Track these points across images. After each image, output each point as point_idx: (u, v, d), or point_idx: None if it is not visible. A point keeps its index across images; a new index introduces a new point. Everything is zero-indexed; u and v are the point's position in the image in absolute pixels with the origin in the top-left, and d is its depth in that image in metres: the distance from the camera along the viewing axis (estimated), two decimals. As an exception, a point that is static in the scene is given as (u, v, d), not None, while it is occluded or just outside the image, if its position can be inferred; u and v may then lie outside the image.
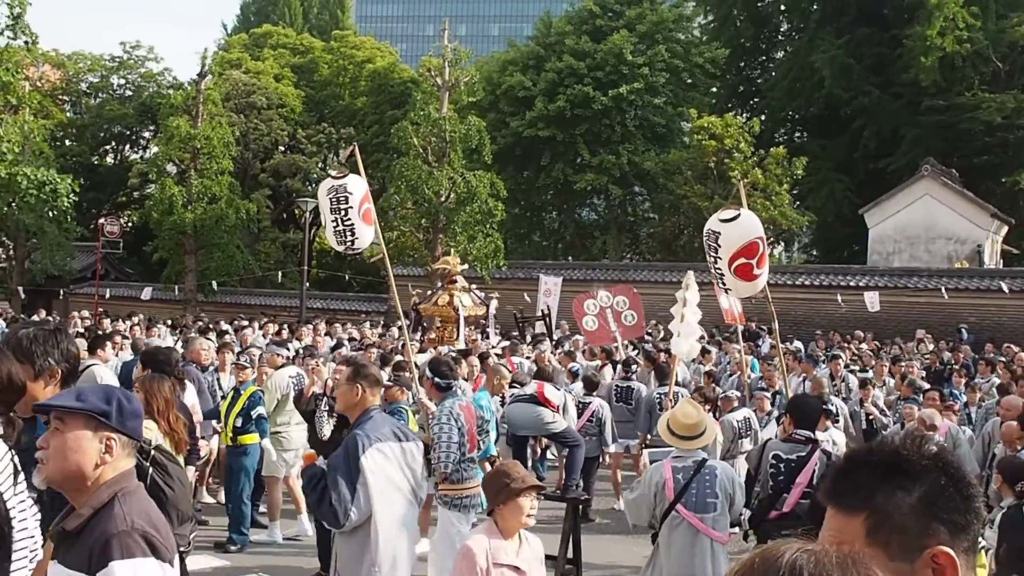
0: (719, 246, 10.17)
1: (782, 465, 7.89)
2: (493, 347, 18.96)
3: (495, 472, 5.50)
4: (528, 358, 17.82)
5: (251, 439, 11.69)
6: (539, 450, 15.52)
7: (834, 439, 10.04)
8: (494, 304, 23.32)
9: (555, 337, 24.47)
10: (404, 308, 36.50)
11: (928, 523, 1.91)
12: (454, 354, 15.16)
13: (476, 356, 15.84)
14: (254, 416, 11.66)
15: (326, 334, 24.04)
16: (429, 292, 23.88)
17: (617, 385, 15.66)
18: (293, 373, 12.60)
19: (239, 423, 11.62)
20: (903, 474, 1.96)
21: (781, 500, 7.81)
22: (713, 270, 10.50)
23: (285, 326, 25.48)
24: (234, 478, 11.64)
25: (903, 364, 18.11)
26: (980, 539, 5.96)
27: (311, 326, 25.42)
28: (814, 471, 7.79)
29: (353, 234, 11.83)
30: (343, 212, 11.69)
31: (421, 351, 18.74)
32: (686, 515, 7.16)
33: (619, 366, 16.48)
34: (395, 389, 10.90)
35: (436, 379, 9.24)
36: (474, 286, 24.08)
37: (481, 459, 10.23)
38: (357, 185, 11.93)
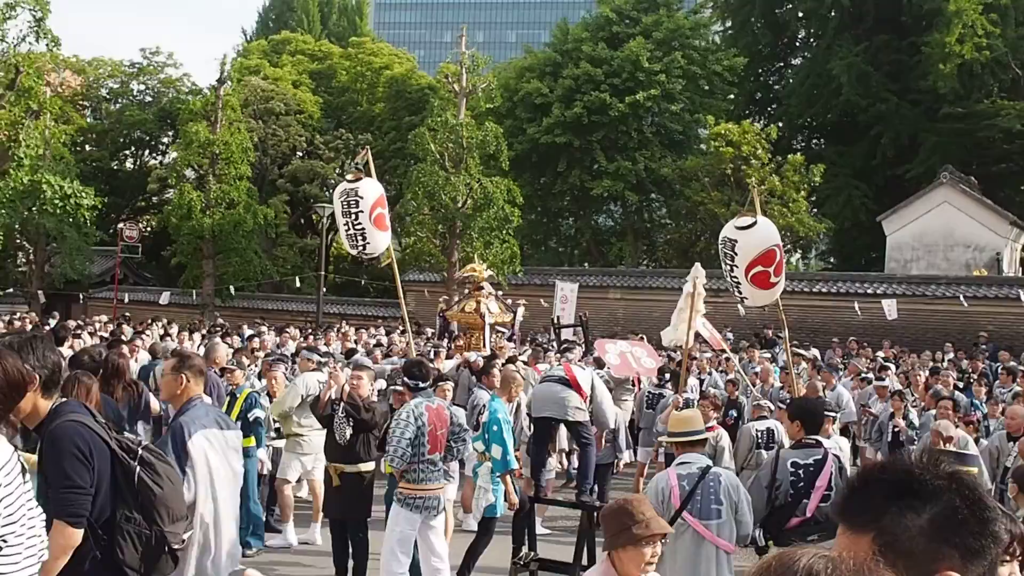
0: (736, 254, 10.12)
1: (801, 471, 7.85)
2: (519, 354, 18.93)
3: (618, 509, 4.99)
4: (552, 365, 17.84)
5: (249, 442, 11.71)
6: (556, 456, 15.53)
7: (840, 445, 10.02)
8: (521, 311, 23.30)
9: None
10: (416, 314, 36.58)
11: (939, 547, 1.85)
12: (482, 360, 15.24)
13: (502, 361, 15.77)
14: (251, 419, 11.68)
15: (355, 340, 24.19)
16: (456, 299, 23.90)
17: (649, 392, 15.60)
18: (324, 378, 12.60)
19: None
20: (914, 494, 1.90)
21: (802, 507, 7.79)
22: (729, 278, 10.44)
23: (312, 331, 25.66)
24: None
25: (940, 375, 18.01)
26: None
27: (342, 331, 25.60)
28: (831, 474, 7.82)
29: (364, 238, 11.81)
30: (354, 216, 11.69)
31: (448, 358, 18.79)
32: (692, 522, 7.11)
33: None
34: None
35: (406, 379, 9.39)
36: (500, 292, 24.13)
37: (501, 473, 10.27)
38: (370, 189, 11.92)
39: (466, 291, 23.41)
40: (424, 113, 39.79)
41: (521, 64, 47.71)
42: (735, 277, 10.26)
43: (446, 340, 24.02)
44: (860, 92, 42.26)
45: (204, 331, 26.50)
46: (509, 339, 23.13)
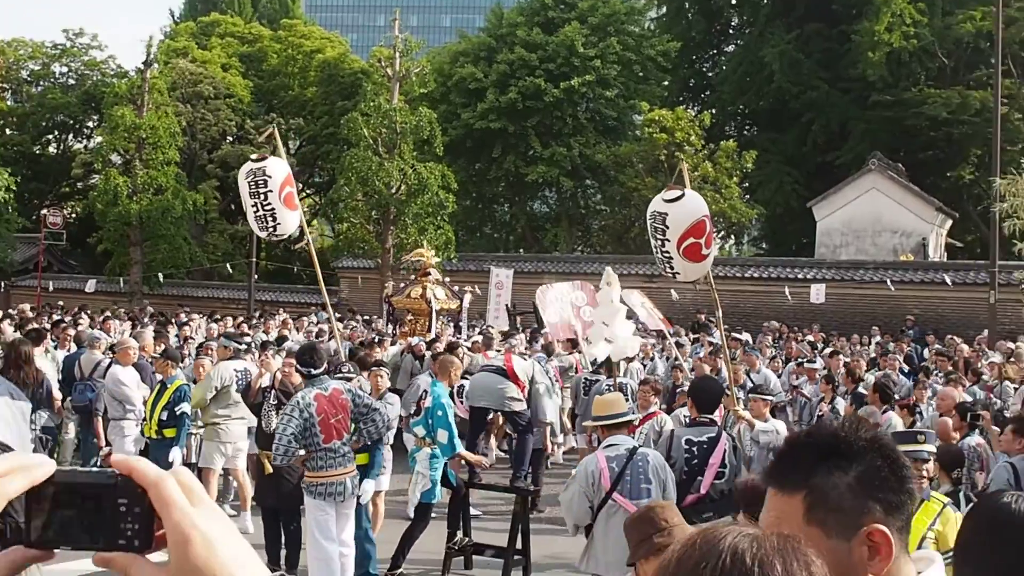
0: (667, 227, 9.93)
1: (695, 448, 8.08)
2: (464, 341, 18.86)
3: (640, 517, 4.85)
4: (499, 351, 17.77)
5: (170, 433, 11.59)
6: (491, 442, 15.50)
7: (777, 428, 10.11)
8: (468, 298, 23.16)
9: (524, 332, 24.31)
10: (350, 300, 36.38)
11: (864, 502, 1.97)
12: (462, 352, 15.12)
13: (443, 348, 15.65)
14: (177, 412, 11.55)
15: (296, 327, 23.98)
16: (402, 284, 23.69)
17: (585, 379, 15.54)
18: (240, 367, 12.44)
19: (164, 416, 11.52)
20: (840, 455, 2.01)
21: (696, 484, 7.97)
22: (660, 255, 10.20)
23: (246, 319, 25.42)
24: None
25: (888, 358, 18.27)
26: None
27: (282, 320, 25.39)
28: (724, 451, 8.05)
29: (275, 219, 11.54)
30: (263, 196, 11.40)
31: (392, 344, 18.71)
32: (623, 502, 7.12)
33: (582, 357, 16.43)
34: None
35: (298, 367, 9.38)
36: (447, 279, 24.00)
37: (449, 458, 10.24)
38: (277, 168, 11.63)
39: (412, 277, 23.31)
40: (357, 98, 39.45)
41: (455, 49, 47.51)
42: (667, 252, 10.03)
43: (391, 326, 23.93)
44: (791, 79, 42.69)
45: (146, 319, 26.13)
46: (456, 325, 23.08)
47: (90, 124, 50.82)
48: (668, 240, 9.95)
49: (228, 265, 40.01)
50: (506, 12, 47.41)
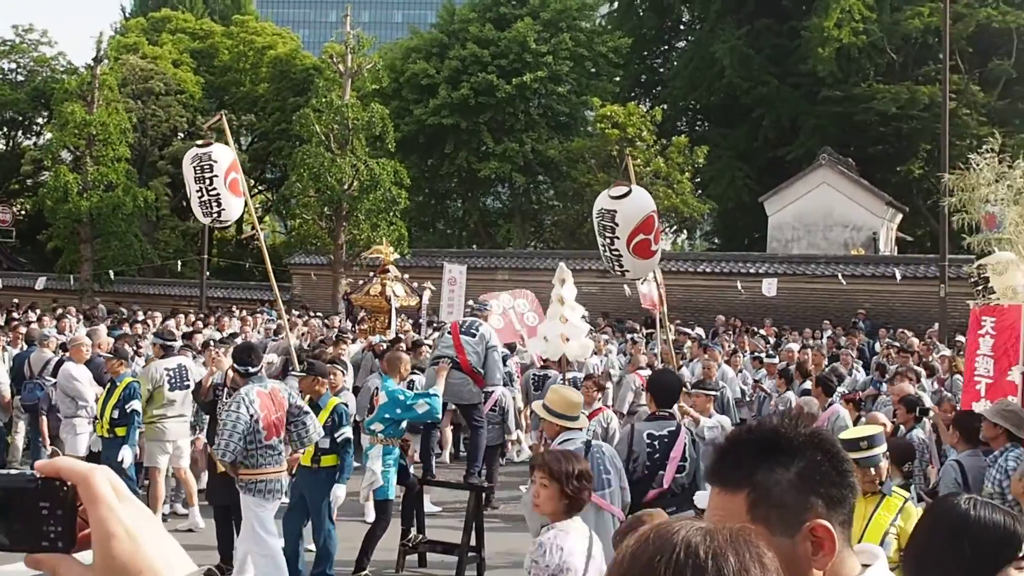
0: (617, 224, 9.83)
1: (656, 443, 8.07)
2: (425, 339, 18.76)
3: (632, 525, 4.72)
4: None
5: (121, 431, 11.49)
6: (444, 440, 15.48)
7: (722, 424, 10.15)
8: (427, 294, 23.04)
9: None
10: (303, 296, 36.18)
11: (806, 497, 1.98)
12: (403, 346, 15.02)
13: (406, 346, 15.54)
14: (128, 410, 11.45)
15: (252, 325, 23.76)
16: (361, 282, 23.53)
17: (534, 374, 15.50)
18: (172, 365, 12.33)
19: (115, 415, 11.42)
20: (781, 451, 2.02)
21: (658, 478, 7.98)
22: (609, 253, 10.07)
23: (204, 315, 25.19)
24: (117, 470, 11.36)
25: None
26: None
27: (240, 317, 25.19)
28: (685, 445, 8.08)
29: (219, 204, 11.44)
30: (208, 182, 11.31)
31: (352, 342, 18.60)
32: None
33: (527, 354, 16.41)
34: (310, 380, 10.56)
35: (236, 365, 9.36)
36: (407, 275, 23.87)
37: (389, 436, 10.20)
38: (223, 154, 11.54)
39: (371, 274, 23.17)
40: (309, 94, 39.19)
41: (407, 45, 47.37)
42: (616, 250, 9.92)
43: (350, 324, 23.81)
44: (742, 75, 42.92)
45: (104, 317, 25.84)
46: (415, 322, 22.94)
47: (40, 121, 50.17)
48: (618, 238, 9.86)
49: (179, 262, 39.67)
50: (458, 8, 47.36)
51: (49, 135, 42.45)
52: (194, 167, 11.39)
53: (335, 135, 33.48)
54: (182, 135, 47.05)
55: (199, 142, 12.06)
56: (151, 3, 59.39)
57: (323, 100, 33.64)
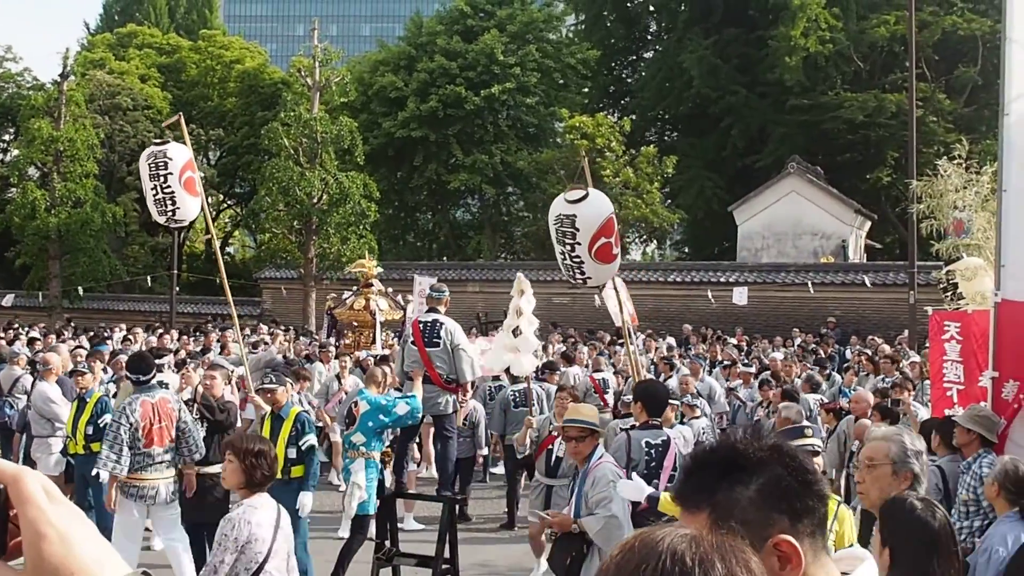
0: (577, 229, 9.51)
1: (653, 451, 8.09)
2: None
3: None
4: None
5: (97, 447, 11.35)
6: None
7: (684, 435, 10.09)
8: (411, 308, 22.94)
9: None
10: (273, 311, 35.93)
11: (768, 514, 1.96)
12: (373, 359, 15.03)
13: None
14: (101, 425, 11.34)
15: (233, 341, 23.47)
16: (345, 296, 23.41)
17: (490, 386, 15.50)
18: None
19: (90, 431, 11.29)
20: (741, 468, 2.01)
21: (653, 486, 7.91)
22: (569, 260, 9.68)
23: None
24: (93, 486, 11.17)
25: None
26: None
27: (222, 332, 24.97)
28: (676, 454, 8.10)
29: (174, 203, 11.35)
30: (162, 179, 11.23)
31: (336, 356, 18.51)
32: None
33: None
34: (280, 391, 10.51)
35: (127, 373, 9.86)
36: (391, 289, 23.77)
37: (371, 448, 10.16)
38: (179, 152, 11.46)
39: (354, 288, 23.06)
40: (277, 108, 39.12)
41: (375, 58, 47.38)
42: (577, 257, 9.57)
43: (333, 338, 23.70)
44: (710, 85, 43.12)
45: (68, 334, 25.58)
46: (399, 336, 22.74)
47: (6, 137, 49.82)
48: (579, 243, 9.55)
49: (149, 278, 39.44)
50: (425, 21, 47.42)
51: (16, 152, 42.19)
52: (149, 165, 11.31)
53: (304, 149, 33.43)
54: (150, 150, 46.76)
55: (156, 140, 12.00)
56: (117, 18, 59.20)
57: (291, 114, 33.61)
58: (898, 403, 11.51)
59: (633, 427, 8.50)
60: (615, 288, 11.77)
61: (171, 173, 11.21)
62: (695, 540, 1.48)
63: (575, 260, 9.60)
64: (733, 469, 2.01)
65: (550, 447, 10.35)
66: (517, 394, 13.83)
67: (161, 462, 9.50)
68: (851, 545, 5.92)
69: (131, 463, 9.40)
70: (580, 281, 10.08)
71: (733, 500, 1.97)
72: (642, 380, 11.47)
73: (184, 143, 11.93)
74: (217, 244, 12.50)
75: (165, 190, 11.29)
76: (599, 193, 9.95)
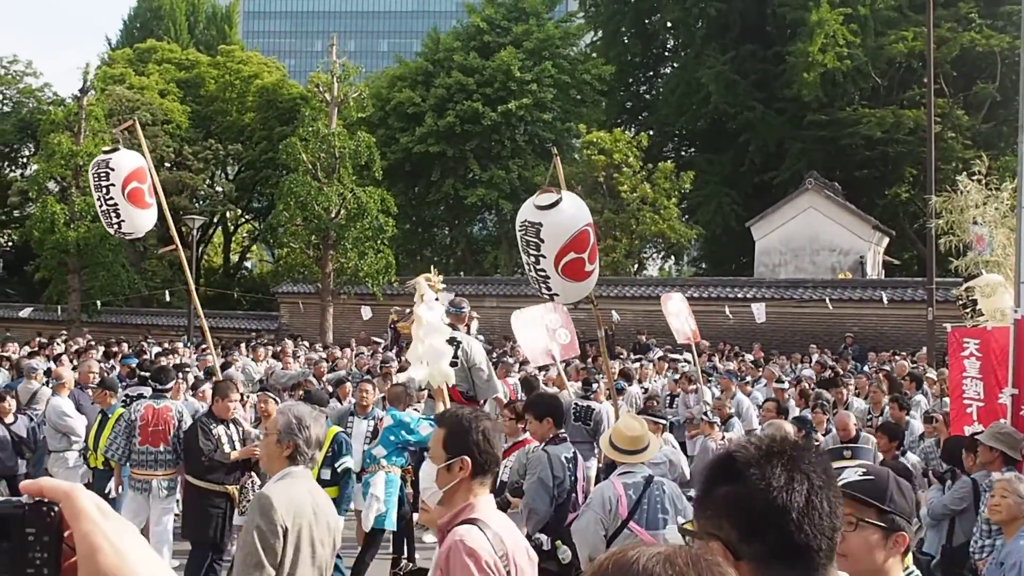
0: (542, 240, 8.32)
1: (570, 465, 8.05)
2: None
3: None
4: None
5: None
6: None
7: (670, 458, 9.95)
8: (475, 325, 22.71)
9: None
10: (290, 326, 35.94)
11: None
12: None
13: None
14: None
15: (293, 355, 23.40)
16: (408, 310, 23.27)
17: (576, 404, 14.90)
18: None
19: None
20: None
21: (573, 501, 7.92)
22: (534, 272, 8.58)
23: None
24: (111, 501, 11.25)
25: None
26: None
27: (280, 347, 24.92)
28: (582, 466, 8.22)
29: (118, 215, 11.06)
30: (105, 191, 10.92)
31: (401, 369, 18.35)
32: (639, 532, 6.82)
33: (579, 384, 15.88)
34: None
35: (150, 381, 11.01)
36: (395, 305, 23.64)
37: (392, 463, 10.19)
38: (125, 161, 11.02)
39: (412, 305, 22.84)
40: (295, 123, 39.24)
41: (393, 73, 47.48)
42: (542, 270, 8.43)
43: (395, 351, 23.70)
44: (728, 101, 43.10)
45: (102, 349, 25.55)
46: None
47: (26, 152, 50.13)
48: (544, 256, 8.38)
49: (167, 292, 39.57)
50: (442, 37, 47.50)
51: (35, 166, 42.39)
52: (94, 174, 11.07)
53: (322, 164, 33.52)
54: (169, 165, 47.00)
55: (106, 148, 11.83)
56: (137, 34, 59.54)
57: (309, 129, 33.71)
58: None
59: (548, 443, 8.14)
60: (593, 303, 11.07)
61: (113, 184, 10.88)
62: (669, 558, 1.46)
63: (540, 273, 8.50)
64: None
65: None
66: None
67: (157, 461, 10.15)
68: None
69: (132, 458, 10.29)
70: (548, 296, 9.08)
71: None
72: (538, 393, 10.89)
73: (141, 150, 11.66)
74: (182, 254, 12.33)
75: (108, 202, 10.99)
76: (575, 200, 8.71)
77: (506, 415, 9.58)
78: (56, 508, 1.21)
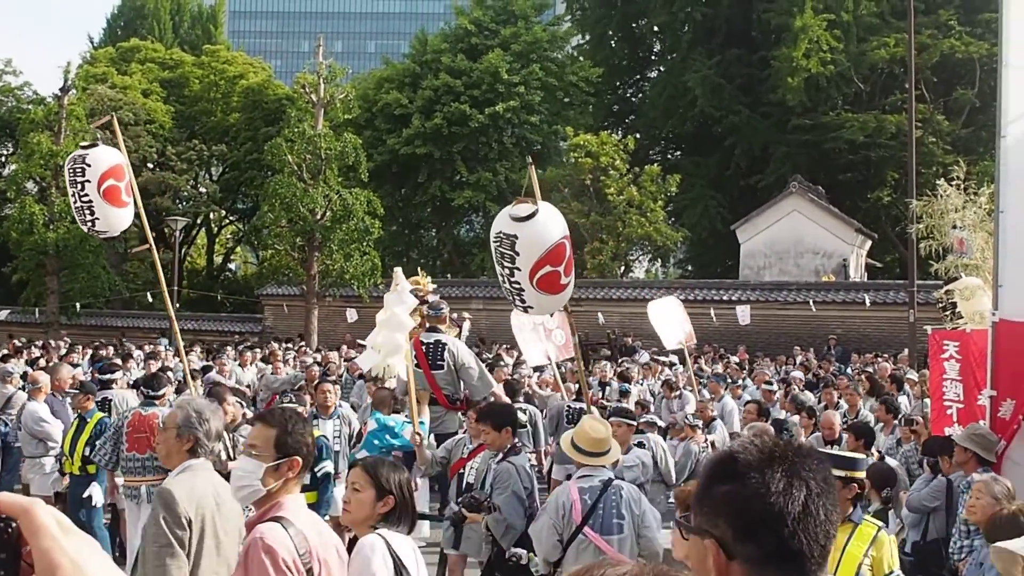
0: (517, 253, 8.05)
1: (532, 473, 8.47)
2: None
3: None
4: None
5: (92, 469, 11.29)
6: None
7: (643, 460, 9.88)
8: (467, 325, 22.64)
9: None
10: (275, 328, 35.90)
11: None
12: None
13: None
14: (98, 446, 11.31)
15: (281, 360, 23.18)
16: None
17: (569, 406, 14.69)
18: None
19: (87, 452, 11.18)
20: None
21: (533, 508, 8.02)
22: (508, 284, 8.30)
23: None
24: (87, 507, 11.14)
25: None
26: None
27: (268, 350, 24.73)
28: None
29: (92, 213, 10.83)
30: (80, 187, 10.64)
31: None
32: (593, 538, 6.68)
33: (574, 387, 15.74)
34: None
35: (142, 388, 10.66)
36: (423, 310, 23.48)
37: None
38: (102, 158, 10.72)
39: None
40: (281, 124, 39.12)
41: (380, 75, 47.43)
42: (516, 283, 8.18)
43: None
44: (714, 104, 43.23)
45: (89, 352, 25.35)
46: None
47: (4, 152, 49.72)
48: (518, 269, 8.08)
49: (149, 294, 39.34)
50: (430, 39, 47.47)
51: (14, 166, 42.13)
52: (69, 169, 10.86)
53: (307, 165, 33.47)
54: (151, 165, 46.81)
55: (83, 143, 11.63)
56: (120, 33, 59.24)
57: (295, 130, 33.63)
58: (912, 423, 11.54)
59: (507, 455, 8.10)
60: (567, 312, 10.66)
61: (88, 181, 10.61)
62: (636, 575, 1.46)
63: (514, 286, 8.22)
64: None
65: (461, 471, 8.74)
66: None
67: (143, 467, 9.97)
68: (890, 571, 5.91)
69: (121, 465, 10.12)
70: (522, 308, 8.74)
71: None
72: (492, 403, 10.15)
73: (118, 147, 11.48)
74: (155, 254, 12.19)
75: (83, 198, 10.73)
76: (552, 211, 8.37)
77: (472, 417, 9.28)
78: (14, 524, 1.19)
